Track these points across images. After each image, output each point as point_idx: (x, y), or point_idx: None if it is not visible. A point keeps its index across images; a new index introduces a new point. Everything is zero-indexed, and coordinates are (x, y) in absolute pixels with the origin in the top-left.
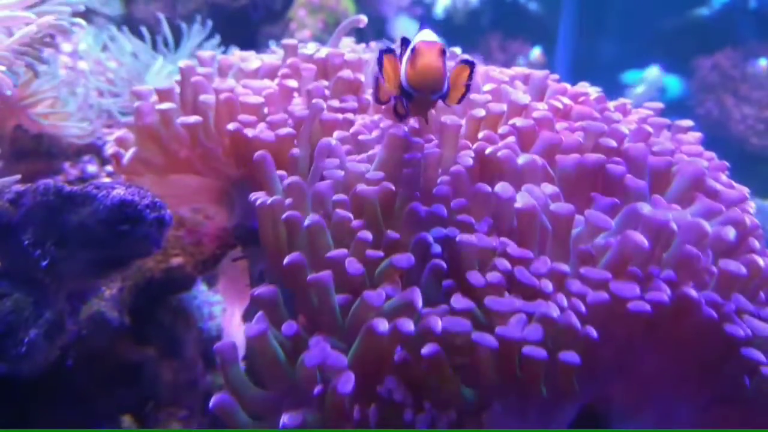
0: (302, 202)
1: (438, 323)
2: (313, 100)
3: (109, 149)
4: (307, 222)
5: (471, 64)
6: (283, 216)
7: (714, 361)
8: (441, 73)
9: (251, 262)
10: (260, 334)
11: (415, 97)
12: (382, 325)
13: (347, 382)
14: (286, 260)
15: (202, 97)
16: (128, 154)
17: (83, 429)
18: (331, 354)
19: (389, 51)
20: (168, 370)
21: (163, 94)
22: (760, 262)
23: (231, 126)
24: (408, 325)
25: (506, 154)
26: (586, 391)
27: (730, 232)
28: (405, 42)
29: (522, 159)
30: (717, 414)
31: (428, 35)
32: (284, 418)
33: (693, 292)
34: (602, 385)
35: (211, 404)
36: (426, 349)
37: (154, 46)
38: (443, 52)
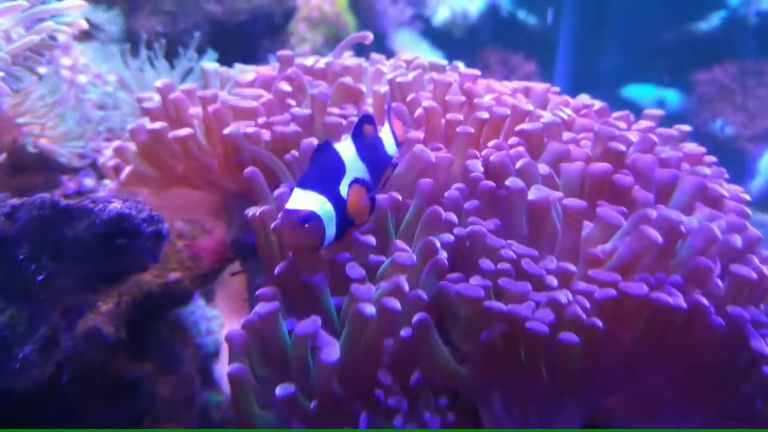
0: None
1: (424, 294)
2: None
3: (109, 162)
4: None
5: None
6: (272, 225)
7: (727, 376)
8: (307, 242)
9: (249, 276)
10: (271, 313)
11: None
12: (369, 308)
13: (332, 353)
14: (277, 269)
15: (192, 110)
16: (126, 171)
17: (83, 430)
18: (323, 335)
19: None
20: (165, 386)
21: (154, 113)
22: (765, 269)
23: (227, 130)
24: (393, 302)
25: (501, 158)
26: (590, 398)
27: (738, 240)
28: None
29: (520, 163)
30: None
31: (296, 199)
32: (278, 390)
33: (705, 300)
34: (605, 394)
35: (229, 371)
36: (415, 318)
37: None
38: (307, 218)
